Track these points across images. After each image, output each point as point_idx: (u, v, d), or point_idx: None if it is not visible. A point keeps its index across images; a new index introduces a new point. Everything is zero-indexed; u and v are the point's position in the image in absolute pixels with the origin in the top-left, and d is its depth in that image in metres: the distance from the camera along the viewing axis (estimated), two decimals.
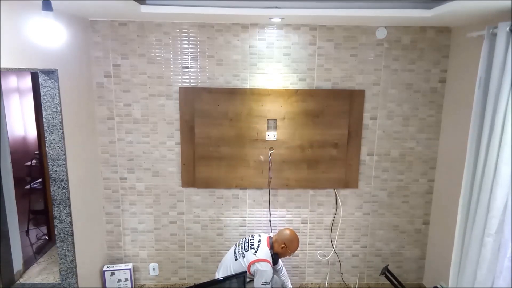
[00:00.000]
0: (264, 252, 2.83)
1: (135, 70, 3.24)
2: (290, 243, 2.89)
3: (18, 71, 2.73)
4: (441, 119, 3.38)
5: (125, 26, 3.16)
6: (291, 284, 3.20)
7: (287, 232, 2.94)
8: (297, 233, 3.50)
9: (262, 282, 2.73)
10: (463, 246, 2.52)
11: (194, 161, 3.35)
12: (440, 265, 3.34)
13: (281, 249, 2.88)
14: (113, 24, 3.15)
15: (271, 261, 2.83)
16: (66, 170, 2.76)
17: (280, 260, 3.07)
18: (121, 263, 3.57)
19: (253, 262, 2.77)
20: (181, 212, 3.51)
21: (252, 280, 2.83)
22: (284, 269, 3.16)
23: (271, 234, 3.02)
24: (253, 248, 2.84)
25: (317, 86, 3.30)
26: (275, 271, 3.05)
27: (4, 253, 3.07)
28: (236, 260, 2.86)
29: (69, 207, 2.81)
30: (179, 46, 3.21)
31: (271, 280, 2.81)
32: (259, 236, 2.96)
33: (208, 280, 3.22)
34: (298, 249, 3.01)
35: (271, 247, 2.89)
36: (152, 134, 3.36)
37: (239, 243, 2.99)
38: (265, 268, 2.76)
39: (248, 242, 2.92)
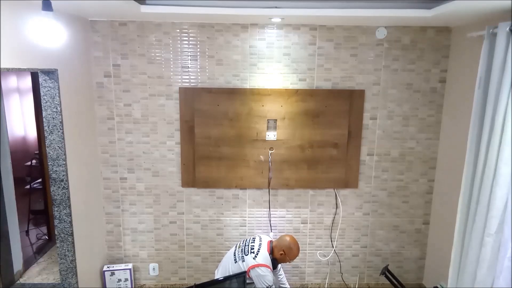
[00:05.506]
0: (264, 256, 2.81)
1: (135, 70, 3.24)
2: (289, 250, 2.86)
3: (18, 71, 2.73)
4: (441, 119, 3.38)
5: (125, 26, 3.16)
6: (290, 284, 3.19)
7: (287, 239, 2.91)
8: (297, 233, 3.51)
9: (267, 286, 2.73)
10: (463, 246, 2.52)
11: (194, 161, 3.35)
12: (440, 265, 3.34)
13: (279, 255, 2.86)
14: (113, 24, 3.15)
15: (271, 266, 2.82)
16: (66, 170, 2.76)
17: (279, 264, 3.06)
18: (121, 263, 3.57)
19: (253, 267, 2.75)
20: (181, 212, 3.51)
21: (251, 282, 2.82)
22: (282, 270, 3.15)
23: (272, 236, 3.00)
24: (253, 252, 2.82)
25: (317, 86, 3.30)
26: (274, 274, 3.04)
27: (4, 253, 3.07)
28: (235, 262, 2.85)
29: (69, 207, 2.82)
30: (179, 46, 3.21)
31: (273, 283, 2.81)
32: (260, 239, 2.94)
33: (208, 280, 3.22)
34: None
35: (271, 251, 2.88)
36: (152, 134, 3.36)
37: (239, 245, 2.98)
38: (266, 273, 2.75)
39: (248, 245, 2.90)
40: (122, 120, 3.33)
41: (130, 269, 3.49)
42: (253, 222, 3.55)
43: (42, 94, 2.63)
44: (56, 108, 2.65)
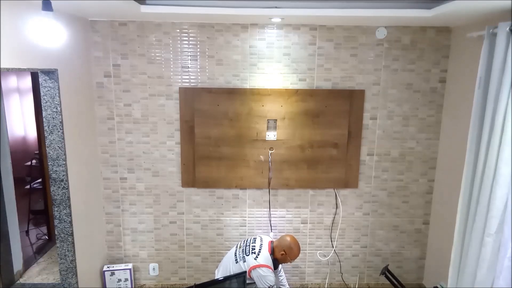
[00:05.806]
0: (265, 257, 2.81)
1: (135, 70, 3.24)
2: (290, 250, 2.86)
3: (18, 71, 2.73)
4: (441, 119, 3.38)
5: (125, 26, 3.16)
6: (290, 284, 3.19)
7: (288, 239, 2.91)
8: (297, 233, 3.51)
9: (268, 287, 2.73)
10: (463, 246, 2.52)
11: (194, 161, 3.35)
12: (440, 265, 3.34)
13: (280, 255, 2.86)
14: (113, 24, 3.15)
15: (272, 266, 2.82)
16: (66, 170, 2.76)
17: (280, 265, 3.06)
18: (121, 263, 3.57)
19: (254, 267, 2.75)
20: (181, 212, 3.51)
21: (252, 282, 2.82)
22: (282, 271, 3.15)
23: (272, 236, 2.99)
24: (254, 253, 2.82)
25: (317, 86, 3.30)
26: (275, 274, 3.03)
27: (4, 253, 3.07)
28: (236, 262, 2.85)
29: (69, 207, 2.82)
30: (179, 46, 3.21)
31: (274, 283, 2.81)
32: (261, 240, 2.94)
33: (208, 280, 3.22)
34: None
35: (272, 252, 2.87)
36: (152, 134, 3.36)
37: (240, 245, 2.98)
38: (267, 273, 2.75)
39: (249, 245, 2.90)
40: (122, 120, 3.33)
41: (130, 269, 3.49)
42: (253, 222, 3.55)
43: (42, 94, 2.63)
44: (56, 108, 2.65)
